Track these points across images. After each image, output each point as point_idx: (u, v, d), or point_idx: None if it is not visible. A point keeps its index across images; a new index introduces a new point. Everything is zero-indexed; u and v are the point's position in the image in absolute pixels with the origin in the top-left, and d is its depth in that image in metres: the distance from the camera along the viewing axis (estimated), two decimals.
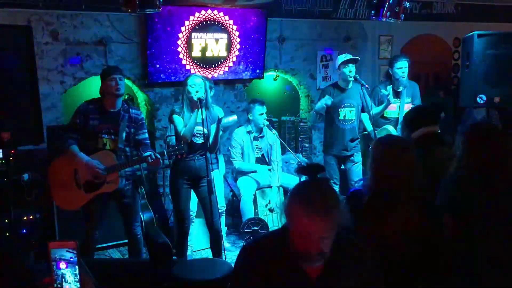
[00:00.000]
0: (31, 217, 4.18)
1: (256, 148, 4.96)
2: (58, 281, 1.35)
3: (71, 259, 1.37)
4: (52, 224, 4.34)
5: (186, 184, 4.04)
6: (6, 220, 4.12)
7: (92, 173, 3.57)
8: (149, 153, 3.65)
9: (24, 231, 4.21)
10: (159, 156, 3.61)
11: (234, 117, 4.49)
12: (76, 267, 1.37)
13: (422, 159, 2.76)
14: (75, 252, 1.37)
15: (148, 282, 2.97)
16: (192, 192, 4.16)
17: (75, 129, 3.65)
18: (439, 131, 3.29)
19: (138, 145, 3.81)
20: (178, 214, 4.11)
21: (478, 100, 5.03)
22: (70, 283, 1.37)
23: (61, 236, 4.29)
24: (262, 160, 5.01)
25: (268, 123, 4.85)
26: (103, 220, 3.75)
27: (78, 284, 1.38)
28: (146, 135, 3.87)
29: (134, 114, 3.79)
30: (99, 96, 3.74)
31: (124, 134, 3.68)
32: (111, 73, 3.66)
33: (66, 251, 1.37)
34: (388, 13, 4.67)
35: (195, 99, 3.82)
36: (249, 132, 4.91)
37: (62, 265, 1.37)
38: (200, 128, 3.88)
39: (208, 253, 4.67)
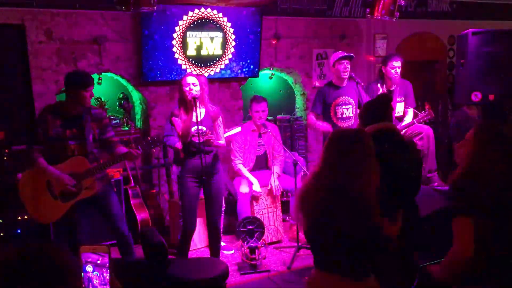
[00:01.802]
0: (25, 217, 4.16)
1: (259, 145, 4.95)
2: (84, 285, 1.35)
3: (98, 262, 1.36)
4: (47, 224, 4.31)
5: (194, 182, 4.01)
6: (1, 220, 4.12)
7: (63, 187, 3.50)
8: (126, 150, 3.60)
9: (19, 231, 4.20)
10: (140, 152, 3.56)
11: (238, 129, 4.53)
12: (104, 269, 1.36)
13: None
14: (103, 255, 1.36)
15: (143, 281, 2.97)
16: None
17: (39, 140, 3.52)
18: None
19: (106, 144, 3.73)
20: (185, 213, 4.09)
21: (473, 97, 5.05)
22: (96, 286, 1.36)
23: (56, 237, 4.27)
24: (263, 157, 4.99)
25: (263, 121, 4.84)
26: (85, 224, 3.69)
27: (106, 287, 1.37)
28: (112, 132, 3.79)
29: (96, 114, 3.69)
30: (58, 100, 3.63)
31: (91, 136, 3.60)
32: (91, 85, 3.55)
33: (94, 253, 1.36)
34: (383, 11, 4.67)
35: (190, 98, 3.81)
36: (253, 131, 4.90)
37: (89, 268, 1.36)
38: (200, 127, 3.84)
39: (205, 252, 4.67)
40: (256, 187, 4.82)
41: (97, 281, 1.37)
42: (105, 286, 1.37)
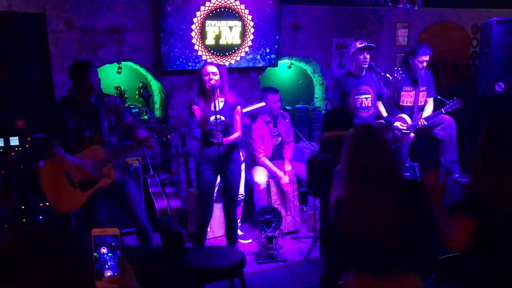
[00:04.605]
0: (47, 203, 4.23)
1: (275, 135, 4.94)
2: (98, 267, 1.36)
3: (113, 244, 1.37)
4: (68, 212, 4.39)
5: (210, 170, 4.04)
6: (23, 207, 4.20)
7: (84, 174, 3.53)
8: (145, 134, 3.62)
9: (40, 217, 4.28)
10: (154, 140, 3.57)
11: (262, 103, 4.64)
12: (118, 251, 1.37)
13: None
14: (115, 237, 1.37)
15: (160, 269, 2.99)
16: None
17: (55, 132, 3.53)
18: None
19: (127, 129, 3.74)
20: (201, 201, 4.11)
21: (497, 88, 4.95)
22: (110, 268, 1.37)
23: (76, 223, 4.34)
24: (280, 147, 4.97)
25: (281, 111, 4.83)
26: (104, 211, 3.72)
27: (118, 269, 1.38)
28: (130, 117, 3.80)
29: (109, 101, 3.68)
30: (69, 93, 3.61)
31: (106, 125, 3.61)
32: (89, 69, 3.52)
33: (107, 236, 1.37)
34: None
35: (208, 87, 3.80)
36: (267, 123, 4.88)
37: (103, 249, 1.37)
38: (217, 116, 3.84)
39: (222, 241, 4.70)
40: (285, 180, 4.82)
41: (111, 263, 1.38)
42: (117, 268, 1.38)
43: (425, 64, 4.97)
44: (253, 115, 4.90)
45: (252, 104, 4.84)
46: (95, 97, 3.62)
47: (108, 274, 1.36)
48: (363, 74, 4.86)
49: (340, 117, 3.18)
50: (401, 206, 2.06)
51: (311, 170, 3.03)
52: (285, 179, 4.81)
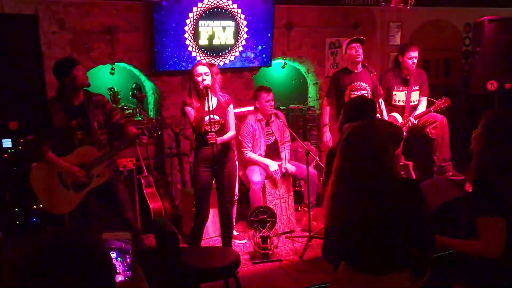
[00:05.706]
0: (40, 206, 4.21)
1: (267, 134, 4.94)
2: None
3: (121, 248, 1.37)
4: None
5: (207, 171, 4.03)
6: (16, 209, 4.17)
7: (73, 179, 3.53)
8: (135, 131, 3.62)
9: (34, 220, 4.26)
10: (146, 137, 3.57)
11: (250, 107, 4.73)
12: (127, 256, 1.36)
13: None
14: (126, 241, 1.37)
15: (156, 270, 2.99)
16: None
17: (47, 133, 3.53)
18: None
19: (117, 128, 3.73)
20: (197, 202, 4.11)
21: (489, 86, 4.98)
22: (119, 272, 1.37)
23: (70, 224, 4.32)
24: (274, 146, 4.97)
25: (274, 111, 4.83)
26: (96, 210, 3.71)
27: (131, 273, 1.38)
28: (119, 115, 3.79)
29: (97, 100, 3.67)
30: (58, 92, 3.60)
31: (95, 124, 3.60)
32: (75, 63, 3.52)
33: (117, 240, 1.36)
34: None
35: (201, 88, 3.81)
36: (259, 120, 4.89)
37: (112, 254, 1.36)
38: (212, 116, 3.85)
39: (218, 241, 4.69)
40: (273, 166, 4.80)
41: (120, 267, 1.38)
42: (127, 272, 1.38)
43: (415, 61, 4.99)
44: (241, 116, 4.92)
45: (242, 106, 4.87)
46: (83, 97, 3.61)
47: (119, 279, 1.35)
48: (358, 70, 4.88)
49: (364, 109, 3.08)
50: (393, 204, 2.03)
51: (330, 163, 2.96)
52: (273, 166, 4.79)
